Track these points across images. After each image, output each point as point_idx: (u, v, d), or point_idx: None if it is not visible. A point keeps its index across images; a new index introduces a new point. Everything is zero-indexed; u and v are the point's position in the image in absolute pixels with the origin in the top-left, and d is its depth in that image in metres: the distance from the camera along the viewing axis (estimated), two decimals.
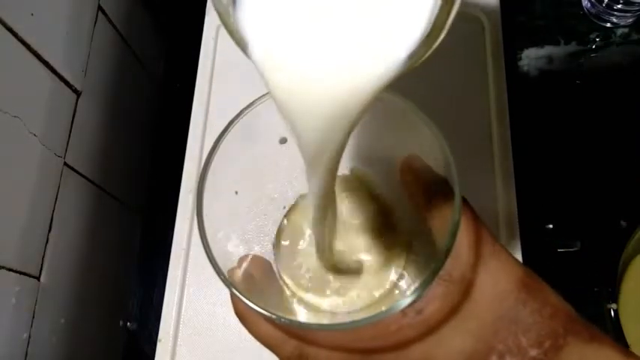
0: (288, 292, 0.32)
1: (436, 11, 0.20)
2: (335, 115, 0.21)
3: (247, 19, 0.21)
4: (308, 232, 0.35)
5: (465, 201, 0.27)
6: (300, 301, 0.32)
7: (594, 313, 0.45)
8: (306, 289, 0.32)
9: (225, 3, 0.22)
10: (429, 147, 0.28)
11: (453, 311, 0.26)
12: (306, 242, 0.34)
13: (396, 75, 0.20)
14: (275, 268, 0.34)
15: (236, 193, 0.33)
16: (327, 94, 0.21)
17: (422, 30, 0.20)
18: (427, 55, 0.21)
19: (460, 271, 0.26)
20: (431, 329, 0.26)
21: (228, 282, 0.26)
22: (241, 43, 0.21)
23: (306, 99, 0.21)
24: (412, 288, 0.25)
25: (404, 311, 0.26)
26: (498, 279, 0.26)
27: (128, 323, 0.51)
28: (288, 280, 0.33)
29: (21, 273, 0.40)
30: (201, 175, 0.29)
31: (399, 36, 0.20)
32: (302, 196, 0.36)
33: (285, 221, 0.35)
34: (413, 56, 0.20)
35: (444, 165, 0.27)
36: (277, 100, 0.22)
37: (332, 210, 0.29)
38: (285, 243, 0.35)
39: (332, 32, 0.20)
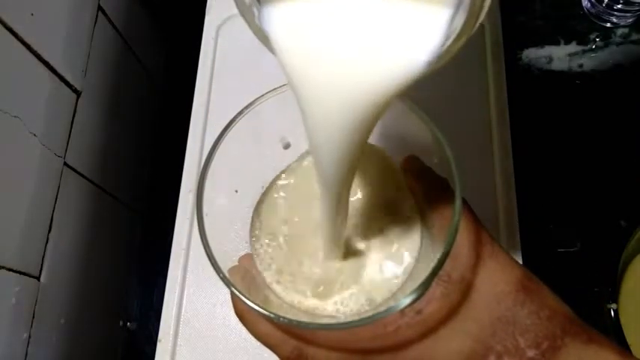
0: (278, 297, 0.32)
1: (461, 19, 0.20)
2: (354, 111, 0.21)
3: (272, 17, 0.21)
4: (286, 230, 0.34)
5: (464, 202, 0.27)
6: (298, 305, 0.32)
7: (594, 313, 0.45)
8: (299, 292, 0.32)
9: (247, 3, 0.22)
10: (430, 147, 0.28)
11: (451, 312, 0.26)
12: (291, 240, 0.33)
13: (416, 77, 0.21)
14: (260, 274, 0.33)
15: (236, 192, 0.33)
16: (349, 89, 0.21)
17: (442, 34, 0.20)
18: (447, 59, 0.21)
19: (459, 272, 0.26)
20: (429, 330, 0.26)
21: (227, 281, 0.26)
22: (265, 41, 0.22)
23: (327, 94, 0.21)
24: (411, 288, 0.25)
25: (403, 311, 0.26)
26: (497, 280, 0.26)
27: (128, 323, 0.51)
28: (275, 286, 0.32)
29: (21, 273, 0.40)
30: (201, 174, 0.29)
31: (421, 39, 0.20)
32: (270, 187, 0.35)
33: (260, 220, 0.34)
34: (433, 60, 0.20)
35: (446, 166, 0.27)
36: (299, 95, 0.22)
37: (343, 215, 0.28)
38: (267, 243, 0.34)
39: (355, 32, 0.20)
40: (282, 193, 0.34)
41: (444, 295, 0.26)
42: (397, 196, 0.33)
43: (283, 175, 0.35)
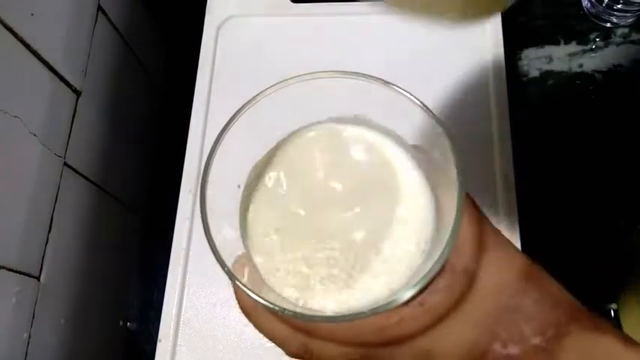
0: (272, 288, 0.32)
1: None
2: None
3: None
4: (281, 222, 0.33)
5: (466, 193, 0.27)
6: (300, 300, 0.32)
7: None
8: (297, 287, 0.32)
9: None
10: (431, 140, 0.28)
11: (455, 303, 0.26)
12: (285, 234, 0.33)
13: None
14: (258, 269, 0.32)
15: (238, 187, 0.33)
16: None
17: None
18: None
19: (462, 262, 0.26)
20: (434, 321, 0.26)
21: (232, 274, 0.26)
22: None
23: None
24: (413, 281, 0.25)
25: (406, 304, 0.26)
26: (501, 269, 0.26)
27: (128, 323, 0.51)
28: (271, 279, 0.32)
29: (21, 273, 0.40)
30: (204, 169, 0.29)
31: None
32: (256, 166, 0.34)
33: (250, 209, 0.34)
34: None
35: (447, 161, 0.27)
36: None
37: None
38: (257, 235, 0.33)
39: None
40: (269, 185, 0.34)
41: (447, 286, 0.26)
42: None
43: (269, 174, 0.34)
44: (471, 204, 0.28)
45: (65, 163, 0.46)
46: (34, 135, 0.42)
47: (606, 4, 0.53)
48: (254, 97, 0.31)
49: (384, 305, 0.25)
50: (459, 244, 0.26)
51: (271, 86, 0.31)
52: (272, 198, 0.34)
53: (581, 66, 0.54)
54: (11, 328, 0.39)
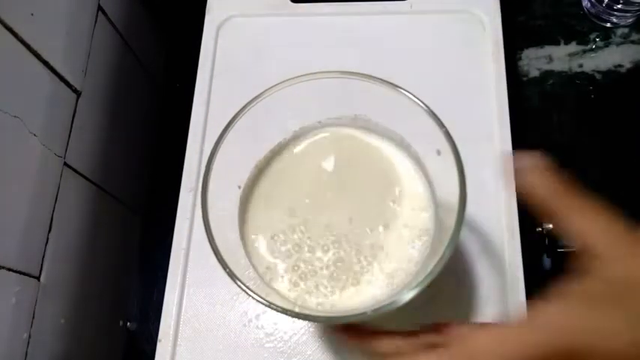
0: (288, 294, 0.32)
1: None
2: None
3: None
4: (290, 221, 0.33)
5: (597, 201, 0.27)
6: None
7: None
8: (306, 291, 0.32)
9: None
10: (431, 139, 0.29)
11: (614, 304, 0.26)
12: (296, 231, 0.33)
13: None
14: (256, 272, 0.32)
15: (239, 187, 0.33)
16: None
17: None
18: None
19: (613, 268, 0.27)
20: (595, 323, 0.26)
21: (232, 274, 0.26)
22: None
23: None
24: (414, 282, 0.25)
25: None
26: None
27: (128, 323, 0.51)
28: (270, 280, 0.32)
29: (21, 273, 0.40)
30: (205, 169, 0.29)
31: None
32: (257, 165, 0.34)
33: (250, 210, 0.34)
34: None
35: (446, 158, 0.27)
36: None
37: None
38: (263, 238, 0.33)
39: None
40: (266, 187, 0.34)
41: (601, 292, 0.27)
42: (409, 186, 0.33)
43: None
44: (603, 212, 0.28)
45: (65, 163, 0.46)
46: (34, 135, 0.42)
47: (606, 4, 0.53)
48: (254, 98, 0.31)
49: (385, 305, 0.25)
50: (607, 250, 0.27)
51: (271, 87, 0.31)
52: (272, 199, 0.34)
53: (581, 66, 0.54)
54: (11, 328, 0.39)
